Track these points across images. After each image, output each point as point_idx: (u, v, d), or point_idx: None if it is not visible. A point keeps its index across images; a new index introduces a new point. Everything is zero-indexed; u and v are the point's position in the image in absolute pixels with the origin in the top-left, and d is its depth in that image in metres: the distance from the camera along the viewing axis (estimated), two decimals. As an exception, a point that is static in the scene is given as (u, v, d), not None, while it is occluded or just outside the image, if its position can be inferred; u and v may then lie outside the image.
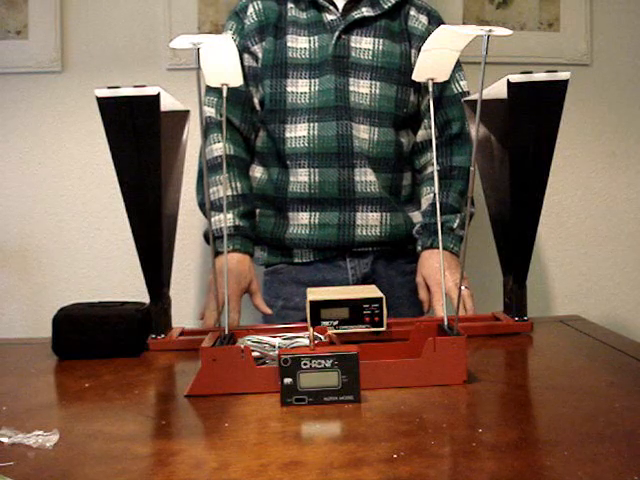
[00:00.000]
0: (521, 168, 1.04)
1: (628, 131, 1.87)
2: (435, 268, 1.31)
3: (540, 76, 0.98)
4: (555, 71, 0.98)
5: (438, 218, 0.95)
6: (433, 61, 0.92)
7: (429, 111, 1.39)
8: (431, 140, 1.41)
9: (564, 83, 0.98)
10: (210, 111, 1.38)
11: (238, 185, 1.35)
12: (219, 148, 1.35)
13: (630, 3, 1.85)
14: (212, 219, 1.32)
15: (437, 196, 0.99)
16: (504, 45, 1.73)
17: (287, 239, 1.37)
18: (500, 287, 1.18)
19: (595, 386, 0.83)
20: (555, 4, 1.82)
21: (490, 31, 0.81)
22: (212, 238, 0.91)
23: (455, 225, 1.36)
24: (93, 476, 0.62)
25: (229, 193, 1.34)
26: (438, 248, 1.08)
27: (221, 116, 1.37)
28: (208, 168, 1.35)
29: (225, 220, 0.93)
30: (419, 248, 1.38)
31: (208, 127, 1.37)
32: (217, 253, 1.28)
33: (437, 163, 1.40)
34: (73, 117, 1.77)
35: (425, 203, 1.41)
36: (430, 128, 1.41)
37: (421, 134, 1.44)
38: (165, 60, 1.76)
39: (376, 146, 1.35)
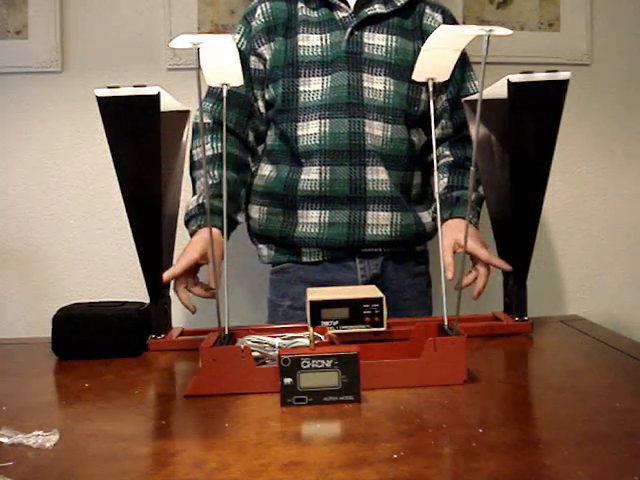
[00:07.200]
0: (521, 168, 1.04)
1: (628, 131, 1.87)
2: (458, 233, 1.26)
3: (540, 76, 0.98)
4: (555, 71, 0.98)
5: (438, 212, 0.96)
6: (433, 61, 0.92)
7: (445, 110, 1.40)
8: (444, 138, 1.43)
9: (564, 83, 0.98)
10: (197, 116, 1.39)
11: (216, 174, 1.33)
12: (198, 152, 1.38)
13: (630, 3, 1.85)
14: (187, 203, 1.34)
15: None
16: (504, 45, 1.73)
17: (296, 237, 1.35)
18: (500, 287, 1.18)
19: (595, 386, 0.83)
20: (555, 4, 1.82)
21: (490, 31, 0.81)
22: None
23: (472, 199, 1.33)
24: (93, 476, 0.62)
25: (209, 182, 1.32)
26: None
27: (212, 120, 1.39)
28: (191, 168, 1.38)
29: (225, 213, 0.92)
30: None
31: (193, 132, 1.39)
32: (192, 233, 1.26)
33: (451, 154, 1.41)
34: (73, 117, 1.77)
35: (440, 186, 1.40)
36: (445, 127, 1.42)
37: (436, 132, 1.42)
38: (165, 60, 1.76)
39: (390, 143, 1.34)
